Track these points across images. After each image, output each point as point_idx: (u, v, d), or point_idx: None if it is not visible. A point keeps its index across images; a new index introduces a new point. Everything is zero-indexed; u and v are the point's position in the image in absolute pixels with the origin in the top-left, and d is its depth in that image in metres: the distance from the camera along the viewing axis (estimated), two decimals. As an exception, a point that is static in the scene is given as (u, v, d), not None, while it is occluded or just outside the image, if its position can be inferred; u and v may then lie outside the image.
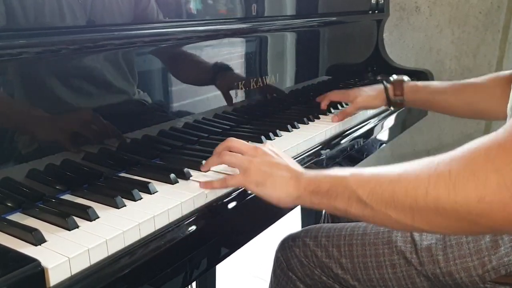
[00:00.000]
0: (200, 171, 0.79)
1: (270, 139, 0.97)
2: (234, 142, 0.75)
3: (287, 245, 0.98)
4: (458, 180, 0.47)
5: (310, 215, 1.66)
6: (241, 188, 0.75)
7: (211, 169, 0.78)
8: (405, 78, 1.14)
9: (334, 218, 1.18)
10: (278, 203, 0.68)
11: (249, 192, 0.74)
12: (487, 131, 1.84)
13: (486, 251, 0.80)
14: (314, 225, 1.02)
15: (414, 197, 0.50)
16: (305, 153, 0.95)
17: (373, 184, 0.55)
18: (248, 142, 0.78)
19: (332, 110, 1.20)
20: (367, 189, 0.55)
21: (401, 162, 0.55)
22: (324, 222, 1.23)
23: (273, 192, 0.67)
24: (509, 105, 0.69)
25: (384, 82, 1.14)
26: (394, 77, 1.15)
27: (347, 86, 1.50)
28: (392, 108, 1.19)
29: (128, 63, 0.80)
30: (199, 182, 0.73)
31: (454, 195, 0.47)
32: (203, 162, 0.79)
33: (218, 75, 0.99)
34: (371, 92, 1.15)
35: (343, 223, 0.99)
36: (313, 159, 0.93)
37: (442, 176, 0.48)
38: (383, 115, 1.24)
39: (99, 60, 0.75)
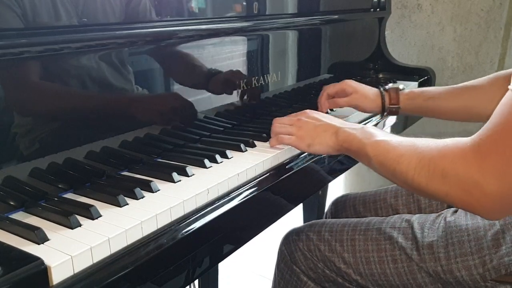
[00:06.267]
0: (204, 168, 0.80)
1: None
2: (279, 119, 0.92)
3: (291, 239, 0.99)
4: (434, 176, 0.63)
5: (312, 211, 1.66)
6: (242, 187, 0.76)
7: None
8: (401, 86, 1.12)
9: (337, 213, 1.18)
10: (326, 153, 0.89)
11: (250, 191, 0.75)
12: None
13: (487, 250, 0.80)
14: (318, 220, 1.02)
15: (405, 178, 0.68)
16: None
17: (382, 158, 0.73)
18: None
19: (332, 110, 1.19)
20: (378, 161, 0.74)
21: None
22: (327, 218, 1.23)
23: (320, 148, 0.86)
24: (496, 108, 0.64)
25: (381, 89, 1.12)
26: (390, 85, 1.13)
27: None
28: (384, 115, 1.13)
29: (129, 62, 0.80)
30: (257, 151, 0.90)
31: (430, 186, 0.64)
32: (205, 160, 0.80)
33: (220, 73, 0.99)
34: (369, 94, 1.11)
35: (345, 219, 0.99)
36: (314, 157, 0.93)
37: (424, 169, 0.65)
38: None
39: (101, 59, 0.75)
